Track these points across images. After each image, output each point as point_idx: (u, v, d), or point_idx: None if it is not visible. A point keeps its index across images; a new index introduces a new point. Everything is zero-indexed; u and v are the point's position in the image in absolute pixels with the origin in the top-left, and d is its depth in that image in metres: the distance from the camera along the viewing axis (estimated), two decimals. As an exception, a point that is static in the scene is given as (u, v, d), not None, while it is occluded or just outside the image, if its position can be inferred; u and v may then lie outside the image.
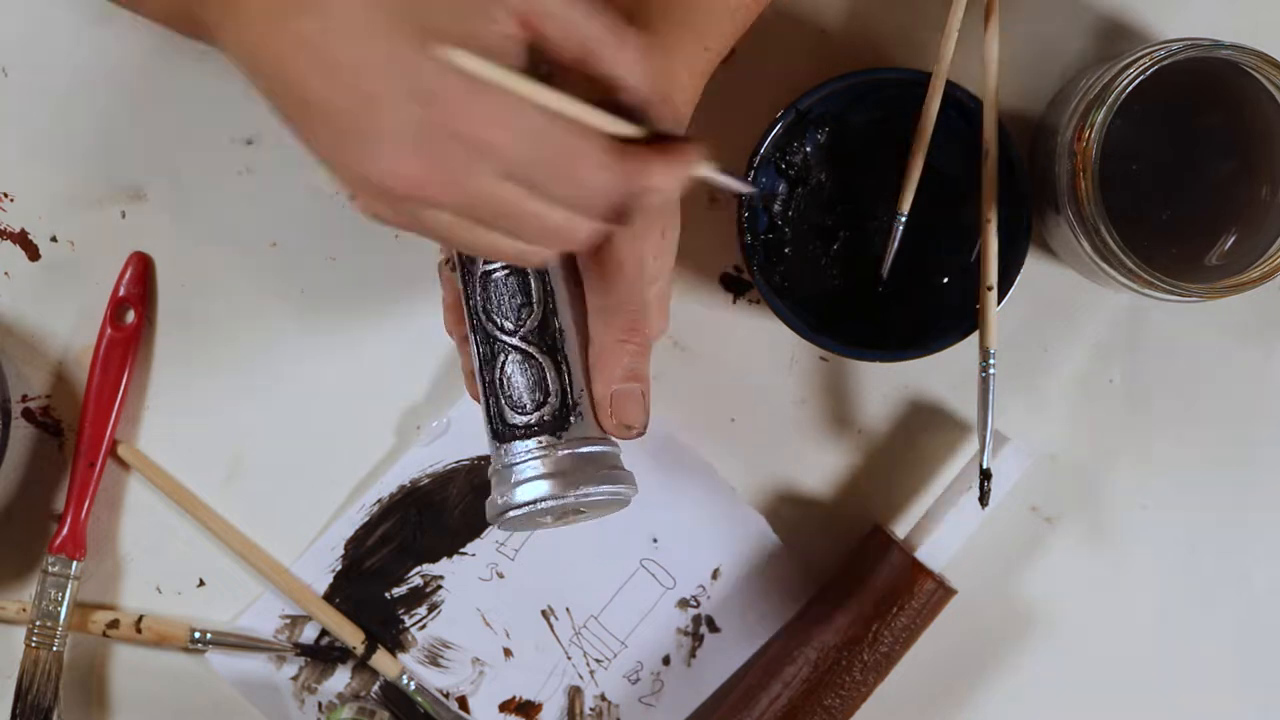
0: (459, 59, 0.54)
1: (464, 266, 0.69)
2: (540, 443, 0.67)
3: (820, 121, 0.78)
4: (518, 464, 0.67)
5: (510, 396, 0.67)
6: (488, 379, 0.68)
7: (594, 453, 0.67)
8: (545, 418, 0.67)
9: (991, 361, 0.75)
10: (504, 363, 0.68)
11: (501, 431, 0.68)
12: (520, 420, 0.67)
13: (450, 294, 0.71)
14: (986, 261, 0.76)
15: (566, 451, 0.67)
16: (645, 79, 0.59)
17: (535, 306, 0.68)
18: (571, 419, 0.67)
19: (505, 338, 0.68)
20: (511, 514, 0.67)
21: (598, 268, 0.67)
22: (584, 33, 0.57)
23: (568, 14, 0.57)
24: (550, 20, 0.57)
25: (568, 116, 0.56)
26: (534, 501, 0.66)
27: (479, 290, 0.68)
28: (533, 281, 0.68)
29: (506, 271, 0.68)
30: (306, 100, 0.55)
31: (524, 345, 0.68)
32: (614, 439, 0.68)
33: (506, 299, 0.68)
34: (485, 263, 0.68)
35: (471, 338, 0.69)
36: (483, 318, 0.68)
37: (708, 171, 0.62)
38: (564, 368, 0.68)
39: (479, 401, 0.69)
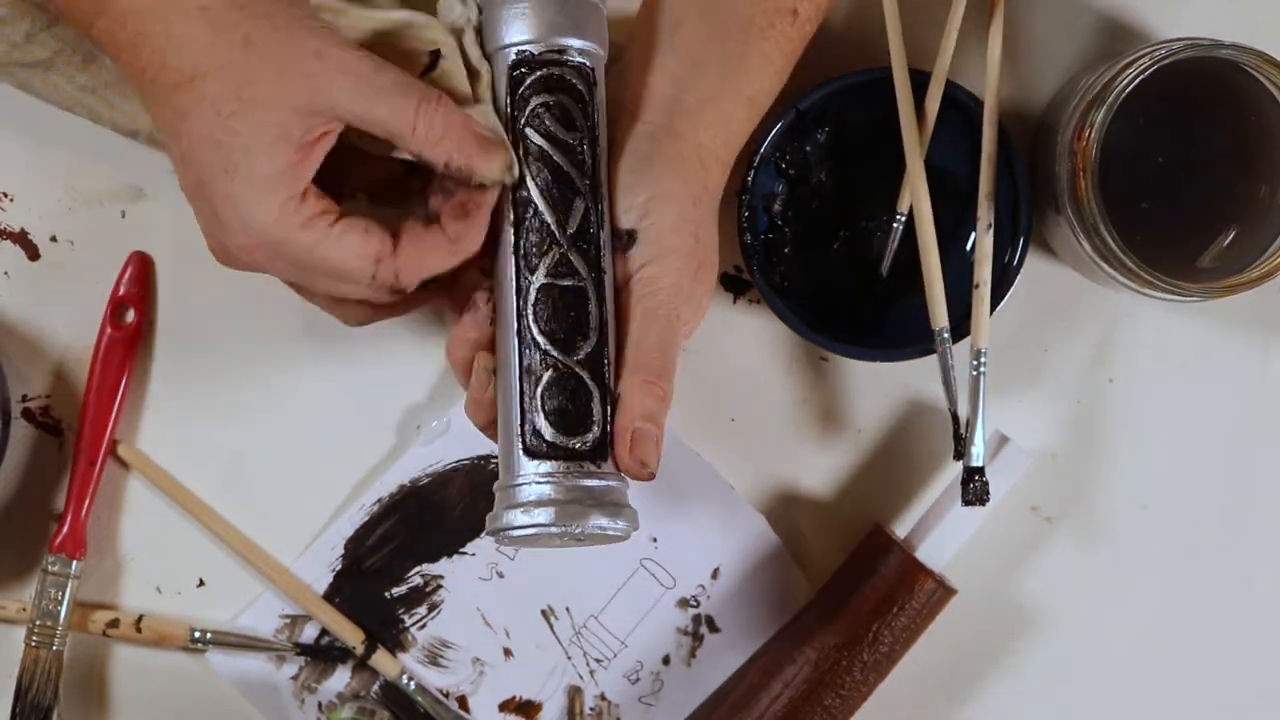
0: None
1: (519, 278, 0.67)
2: (567, 467, 0.66)
3: (820, 121, 0.79)
4: (531, 484, 0.66)
5: (551, 415, 0.67)
6: (528, 393, 0.67)
7: (612, 487, 0.67)
8: (586, 445, 0.67)
9: (982, 360, 0.75)
10: (552, 380, 0.67)
11: (534, 447, 0.67)
12: (561, 440, 0.67)
13: (470, 324, 0.70)
14: (979, 260, 0.76)
15: (592, 483, 0.67)
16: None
17: (591, 333, 0.67)
18: (608, 450, 0.67)
19: (560, 356, 0.67)
20: (515, 533, 0.66)
21: (640, 310, 0.68)
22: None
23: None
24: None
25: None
26: (545, 525, 0.66)
27: (534, 303, 0.67)
28: (592, 308, 0.67)
29: (565, 288, 0.67)
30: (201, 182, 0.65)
31: (578, 370, 0.67)
32: (624, 476, 0.68)
33: (563, 317, 0.67)
34: (548, 275, 0.67)
35: (513, 346, 0.67)
36: (534, 331, 0.67)
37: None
38: (607, 400, 0.67)
39: (482, 426, 0.69)
